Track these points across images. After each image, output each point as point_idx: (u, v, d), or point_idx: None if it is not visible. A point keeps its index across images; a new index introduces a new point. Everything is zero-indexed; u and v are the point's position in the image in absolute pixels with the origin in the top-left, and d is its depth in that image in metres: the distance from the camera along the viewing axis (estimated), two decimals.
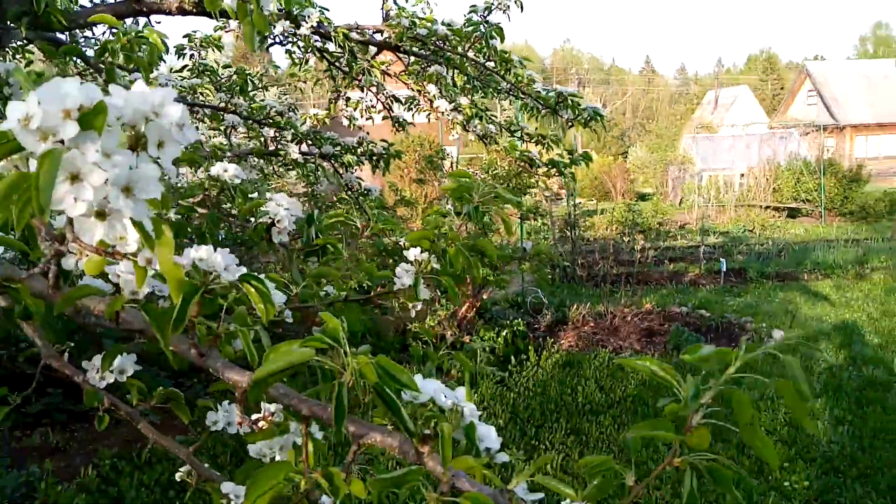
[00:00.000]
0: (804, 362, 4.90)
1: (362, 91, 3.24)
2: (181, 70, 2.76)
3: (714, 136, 24.60)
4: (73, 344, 1.09)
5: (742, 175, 18.88)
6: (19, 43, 1.94)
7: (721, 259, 7.91)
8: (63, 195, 0.50)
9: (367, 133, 3.21)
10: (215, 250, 0.74)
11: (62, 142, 0.50)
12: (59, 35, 1.90)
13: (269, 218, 1.32)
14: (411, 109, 3.29)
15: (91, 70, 2.09)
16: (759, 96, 43.95)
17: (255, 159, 2.52)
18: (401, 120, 3.40)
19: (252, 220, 1.32)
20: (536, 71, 2.91)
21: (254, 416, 0.85)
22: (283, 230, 1.33)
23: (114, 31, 1.98)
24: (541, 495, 0.69)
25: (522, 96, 2.90)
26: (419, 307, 1.20)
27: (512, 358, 4.97)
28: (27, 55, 2.01)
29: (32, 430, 3.75)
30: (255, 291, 0.75)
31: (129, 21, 1.99)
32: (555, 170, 2.99)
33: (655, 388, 4.50)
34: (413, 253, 1.18)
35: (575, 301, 6.49)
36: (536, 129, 3.54)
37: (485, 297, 5.40)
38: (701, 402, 0.65)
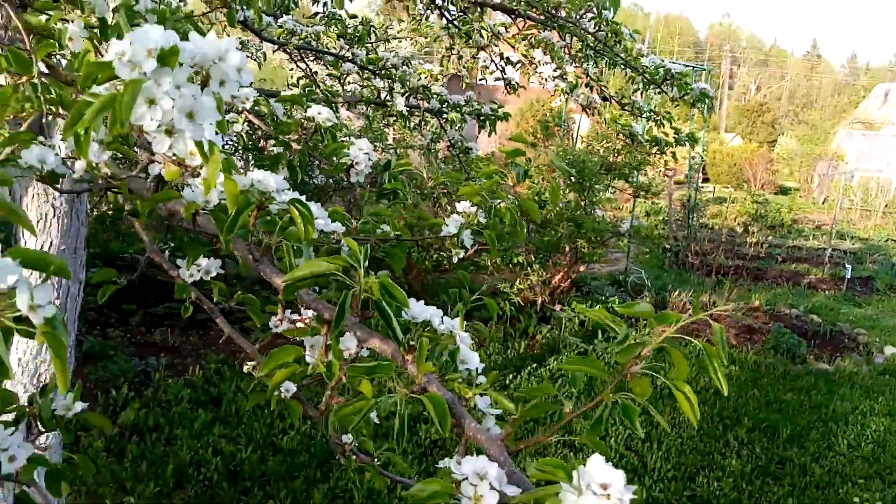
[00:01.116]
0: None
1: (480, 51, 3.35)
2: (313, 16, 2.97)
3: (873, 133, 22.51)
4: (172, 244, 1.31)
5: None
6: None
7: (847, 265, 7.41)
8: (142, 114, 0.67)
9: (501, 95, 3.33)
10: (300, 183, 0.90)
11: (146, 74, 0.66)
12: None
13: (350, 160, 1.48)
14: (525, 73, 3.37)
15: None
16: None
17: (365, 107, 2.70)
18: (513, 83, 3.49)
19: (335, 159, 1.49)
20: (689, 45, 2.90)
21: (294, 316, 1.02)
22: (360, 172, 1.49)
23: None
24: (500, 410, 0.81)
25: (632, 70, 2.90)
26: (462, 255, 1.33)
27: (599, 333, 4.99)
28: None
29: (155, 329, 4.25)
30: (298, 213, 0.91)
31: None
32: (657, 147, 2.98)
33: (741, 383, 4.41)
34: (462, 205, 1.30)
35: (679, 287, 6.35)
36: (658, 105, 3.50)
37: (581, 269, 5.41)
38: (641, 353, 0.74)
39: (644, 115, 3.26)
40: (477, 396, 0.79)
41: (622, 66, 2.94)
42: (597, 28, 2.62)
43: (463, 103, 3.14)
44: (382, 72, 2.80)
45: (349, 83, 2.91)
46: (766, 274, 7.70)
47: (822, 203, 18.67)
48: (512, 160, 1.33)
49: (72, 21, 1.21)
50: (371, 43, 3.00)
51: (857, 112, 35.92)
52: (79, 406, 1.01)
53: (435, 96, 3.03)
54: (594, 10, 2.56)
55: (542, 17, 2.76)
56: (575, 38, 2.91)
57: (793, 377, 4.48)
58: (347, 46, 2.77)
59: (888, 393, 4.32)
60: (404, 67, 2.95)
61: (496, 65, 3.33)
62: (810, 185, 21.27)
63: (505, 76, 3.42)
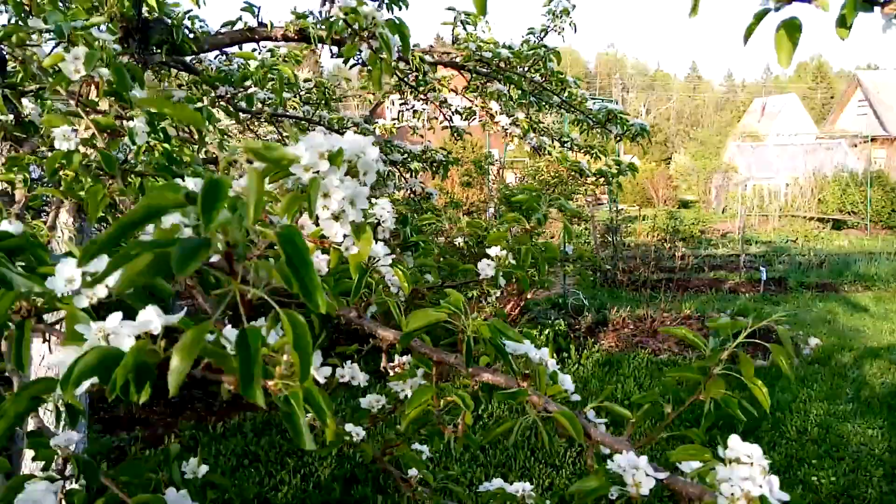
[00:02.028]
0: (840, 369, 5.05)
1: (426, 103, 3.56)
2: (243, 80, 3.10)
3: (760, 144, 24.34)
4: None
5: (787, 185, 18.72)
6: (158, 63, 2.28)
7: (761, 268, 8.03)
8: (319, 206, 0.80)
9: (428, 141, 3.53)
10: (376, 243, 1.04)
11: (318, 172, 0.80)
12: (187, 58, 2.25)
13: (376, 219, 1.63)
14: (467, 120, 3.61)
15: (201, 83, 2.43)
16: (808, 105, 43.12)
17: None
18: (459, 130, 3.72)
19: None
20: (580, 76, 3.18)
21: (390, 364, 1.15)
22: (385, 229, 1.64)
23: (226, 55, 2.32)
24: (605, 420, 0.97)
25: (573, 111, 3.18)
26: (497, 294, 1.49)
27: (553, 356, 5.22)
28: (164, 74, 2.36)
29: (118, 404, 4.15)
30: (401, 273, 1.05)
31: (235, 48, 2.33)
32: (603, 179, 3.26)
33: (692, 388, 4.71)
34: (494, 251, 1.47)
35: (615, 304, 6.71)
36: (585, 140, 3.81)
37: (528, 296, 5.66)
38: (720, 357, 0.93)
39: (582, 151, 3.56)
40: (589, 409, 0.95)
41: (563, 109, 3.23)
42: (543, 78, 2.88)
43: (421, 153, 3.33)
44: (346, 131, 2.95)
45: None
46: (690, 283, 8.22)
47: (723, 212, 19.92)
48: (527, 206, 1.52)
49: (135, 118, 1.31)
50: (331, 104, 3.15)
51: (740, 126, 38.69)
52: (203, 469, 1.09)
53: (395, 149, 3.21)
54: (538, 63, 2.82)
55: (488, 71, 3.00)
56: (513, 86, 3.16)
57: (736, 376, 4.84)
58: (312, 110, 2.91)
59: (821, 380, 4.74)
60: (366, 125, 3.12)
61: (444, 115, 3.55)
62: (709, 197, 22.66)
63: (452, 124, 3.65)
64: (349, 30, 1.27)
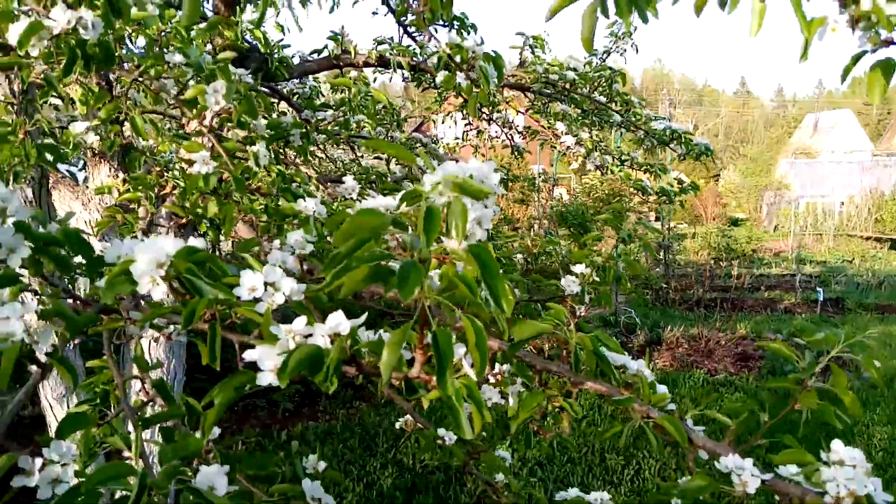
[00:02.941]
0: None
1: (489, 123, 3.68)
2: (341, 105, 3.25)
3: (813, 161, 23.82)
4: None
5: (842, 203, 18.27)
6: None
7: (818, 288, 7.88)
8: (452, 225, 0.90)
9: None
10: None
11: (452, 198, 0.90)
12: (276, 84, 2.40)
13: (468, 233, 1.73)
14: (528, 139, 3.71)
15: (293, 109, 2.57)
16: (863, 121, 42.00)
17: (410, 184, 2.96)
18: (520, 149, 3.81)
19: None
20: (628, 91, 3.25)
21: (492, 372, 1.24)
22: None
23: (313, 81, 2.46)
24: (702, 427, 1.04)
25: (635, 130, 3.24)
26: (583, 309, 1.57)
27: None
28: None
29: None
30: (507, 287, 1.14)
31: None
32: (665, 197, 3.31)
33: (780, 400, 4.67)
34: (579, 268, 1.55)
35: (668, 323, 6.68)
36: (645, 158, 3.86)
37: (582, 314, 5.67)
38: (814, 370, 0.99)
39: (642, 169, 3.61)
40: (688, 417, 1.02)
41: (623, 127, 3.30)
42: (609, 99, 2.96)
43: None
44: (418, 151, 3.08)
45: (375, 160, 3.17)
46: (744, 303, 8.12)
47: (774, 230, 19.54)
48: (613, 223, 1.60)
49: (257, 144, 1.43)
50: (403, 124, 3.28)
51: (791, 142, 37.89)
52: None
53: None
54: (604, 84, 2.90)
55: (552, 92, 3.09)
56: (573, 106, 3.25)
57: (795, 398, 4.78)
58: (384, 132, 3.04)
59: (883, 404, 4.65)
60: (433, 144, 3.24)
61: (507, 135, 3.66)
62: (759, 215, 22.25)
63: (513, 143, 3.74)
64: (451, 62, 1.38)
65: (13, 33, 1.09)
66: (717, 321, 6.52)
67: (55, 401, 2.24)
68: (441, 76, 1.53)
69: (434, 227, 0.57)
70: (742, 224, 20.74)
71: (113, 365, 0.97)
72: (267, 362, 0.69)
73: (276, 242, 1.30)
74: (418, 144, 3.21)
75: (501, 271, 1.70)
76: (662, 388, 1.10)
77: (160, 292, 0.79)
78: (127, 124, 1.59)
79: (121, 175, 1.93)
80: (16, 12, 1.12)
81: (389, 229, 0.62)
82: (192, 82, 1.34)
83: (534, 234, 5.85)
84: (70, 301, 0.91)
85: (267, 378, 0.69)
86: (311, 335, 0.72)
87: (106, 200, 2.25)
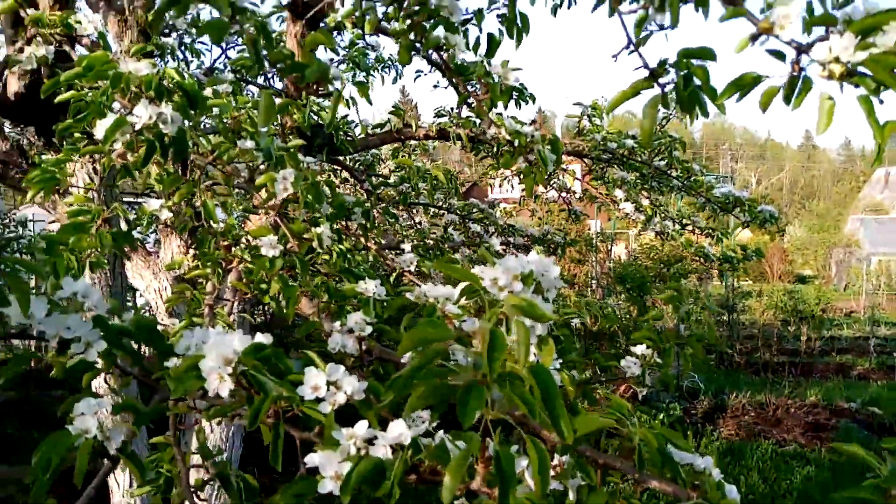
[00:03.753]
0: None
1: (546, 188, 3.69)
2: (402, 182, 3.32)
3: (885, 217, 22.94)
4: None
5: None
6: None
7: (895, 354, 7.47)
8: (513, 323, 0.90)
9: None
10: None
11: (511, 290, 0.90)
12: (339, 157, 2.48)
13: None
14: (585, 202, 3.71)
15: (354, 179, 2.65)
16: None
17: (467, 249, 2.98)
18: (577, 213, 3.80)
19: None
20: (686, 146, 3.20)
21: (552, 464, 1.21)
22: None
23: (374, 153, 2.53)
24: None
25: (695, 195, 3.19)
26: (643, 392, 1.53)
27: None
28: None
29: None
30: (567, 378, 1.12)
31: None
32: (728, 264, 3.23)
33: (822, 483, 4.42)
34: (640, 349, 1.52)
35: (733, 388, 6.42)
36: (707, 221, 3.79)
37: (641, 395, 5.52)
38: None
39: (704, 233, 3.53)
40: None
41: (683, 192, 3.26)
42: (668, 166, 2.94)
43: (541, 236, 3.43)
44: (474, 217, 3.11)
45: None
46: (814, 368, 7.75)
47: (844, 290, 18.75)
48: (673, 301, 1.56)
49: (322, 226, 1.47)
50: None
51: (860, 197, 36.64)
52: None
53: (518, 233, 3.33)
54: (666, 151, 2.88)
55: (609, 158, 3.09)
56: (632, 171, 3.23)
57: (874, 473, 4.48)
58: (442, 197, 3.09)
59: None
60: (490, 210, 3.26)
61: (564, 200, 3.66)
62: (829, 273, 21.42)
63: (571, 207, 3.74)
64: (511, 147, 1.40)
65: (101, 127, 1.16)
66: (785, 387, 6.23)
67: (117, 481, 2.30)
68: (503, 156, 1.55)
69: (499, 355, 0.57)
70: (810, 282, 19.98)
71: (178, 452, 0.99)
72: (329, 469, 0.69)
73: (337, 324, 1.32)
74: (475, 210, 3.23)
75: (560, 350, 1.68)
76: (732, 490, 1.05)
77: (227, 388, 0.81)
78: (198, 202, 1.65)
79: (190, 250, 2.00)
80: (104, 108, 1.19)
81: (453, 344, 0.62)
82: (262, 166, 1.40)
83: (591, 293, 5.77)
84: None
85: (328, 486, 0.69)
86: (372, 439, 0.72)
87: (175, 270, 2.34)
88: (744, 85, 0.91)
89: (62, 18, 1.43)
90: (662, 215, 3.43)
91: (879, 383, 7.29)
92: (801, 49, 0.84)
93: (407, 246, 2.53)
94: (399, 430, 0.68)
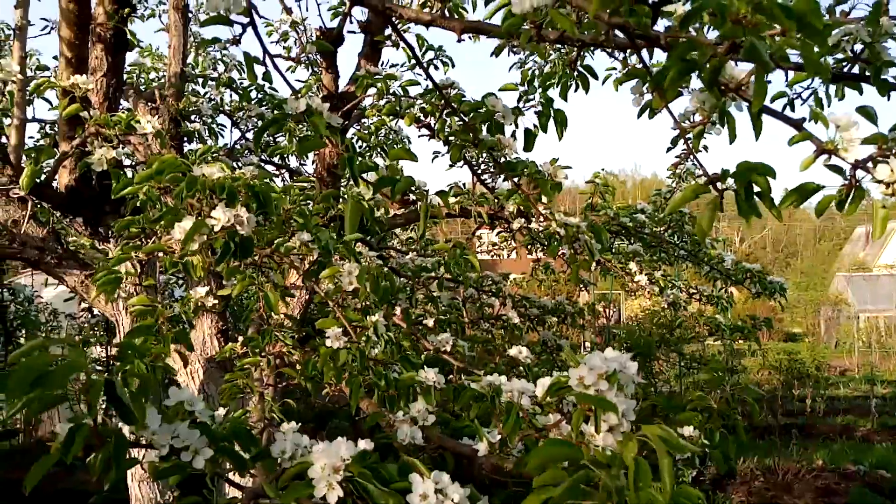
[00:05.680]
0: None
1: (554, 259, 3.76)
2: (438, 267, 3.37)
3: (870, 275, 23.26)
4: None
5: None
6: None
7: None
8: (602, 421, 0.94)
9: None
10: None
11: (598, 389, 0.94)
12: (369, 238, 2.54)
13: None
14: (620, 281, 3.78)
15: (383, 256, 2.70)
16: None
17: (485, 323, 3.03)
18: (587, 283, 3.87)
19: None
20: (648, 203, 3.30)
21: None
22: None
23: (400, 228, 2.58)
24: None
25: (705, 266, 3.27)
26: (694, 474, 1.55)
27: None
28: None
29: None
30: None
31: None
32: (740, 334, 3.29)
33: None
34: (687, 430, 1.55)
35: (739, 453, 6.37)
36: (713, 290, 3.86)
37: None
38: None
39: (710, 303, 3.60)
40: None
41: (689, 261, 3.35)
42: (679, 240, 3.03)
43: (554, 308, 3.48)
44: (490, 291, 3.16)
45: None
46: (817, 429, 7.72)
47: (835, 347, 18.82)
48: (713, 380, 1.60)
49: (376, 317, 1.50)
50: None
51: (843, 254, 37.18)
52: None
53: (532, 304, 3.38)
54: (677, 226, 2.98)
55: (619, 230, 3.18)
56: (640, 243, 3.32)
57: None
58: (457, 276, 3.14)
59: None
60: (503, 281, 3.32)
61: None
62: (818, 331, 21.51)
63: (582, 280, 3.80)
64: (556, 237, 1.47)
65: (178, 230, 1.21)
66: (792, 451, 6.20)
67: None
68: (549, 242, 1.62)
69: (645, 485, 0.61)
70: (800, 340, 20.03)
71: None
72: None
73: (400, 414, 1.35)
74: (489, 281, 3.28)
75: None
76: None
77: (335, 496, 0.83)
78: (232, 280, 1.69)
79: (240, 337, 2.03)
80: (182, 210, 1.25)
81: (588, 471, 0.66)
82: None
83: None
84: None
85: None
86: None
87: (207, 350, 2.36)
88: (805, 193, 0.99)
89: (125, 120, 1.50)
90: (670, 286, 3.51)
91: (884, 445, 7.26)
92: (858, 165, 0.92)
93: (430, 322, 2.57)
94: None
